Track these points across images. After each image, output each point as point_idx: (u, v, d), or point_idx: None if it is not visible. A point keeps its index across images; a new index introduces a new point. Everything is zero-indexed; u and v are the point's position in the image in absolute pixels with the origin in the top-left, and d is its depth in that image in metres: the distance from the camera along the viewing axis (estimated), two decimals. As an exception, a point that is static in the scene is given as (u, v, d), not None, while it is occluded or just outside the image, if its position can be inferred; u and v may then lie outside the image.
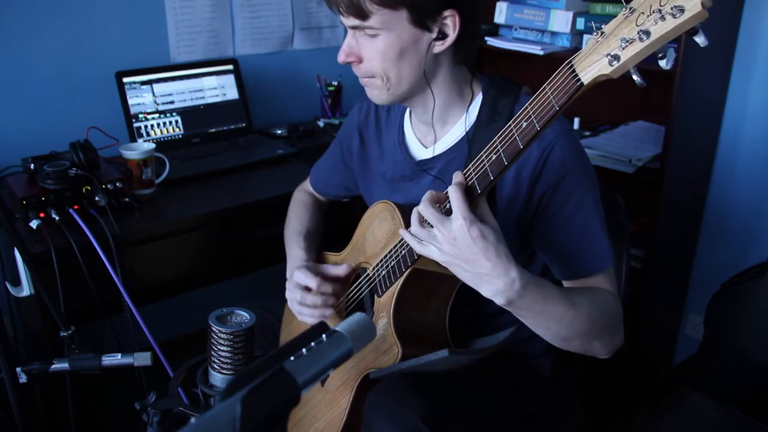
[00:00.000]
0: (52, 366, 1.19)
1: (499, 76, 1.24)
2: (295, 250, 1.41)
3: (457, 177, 1.00)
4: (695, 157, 2.12)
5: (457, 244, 0.96)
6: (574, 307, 1.06)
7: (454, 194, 0.97)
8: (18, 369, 1.18)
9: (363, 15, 1.09)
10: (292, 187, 1.66)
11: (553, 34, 2.22)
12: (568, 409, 1.35)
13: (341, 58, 1.17)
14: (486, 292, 1.00)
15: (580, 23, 2.15)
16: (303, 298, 1.27)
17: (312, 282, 1.25)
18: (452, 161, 1.22)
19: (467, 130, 1.20)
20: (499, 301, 1.00)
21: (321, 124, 2.41)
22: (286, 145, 2.14)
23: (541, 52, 2.18)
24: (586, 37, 2.10)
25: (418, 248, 1.02)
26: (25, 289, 1.53)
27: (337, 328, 0.69)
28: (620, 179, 2.03)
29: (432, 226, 0.99)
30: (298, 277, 1.27)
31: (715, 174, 2.19)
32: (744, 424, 1.63)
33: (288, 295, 1.31)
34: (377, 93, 1.20)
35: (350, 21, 1.12)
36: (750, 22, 2.02)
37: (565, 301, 1.05)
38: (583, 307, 1.07)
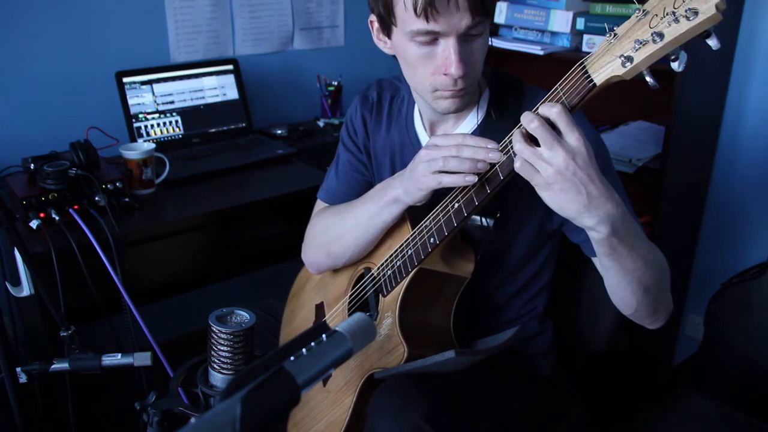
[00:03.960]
0: (52, 366, 1.19)
1: (497, 68, 1.24)
2: (377, 187, 1.20)
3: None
4: (695, 157, 2.12)
5: (577, 162, 0.87)
6: (651, 246, 1.02)
7: (563, 112, 0.88)
8: (18, 369, 1.18)
9: (488, 11, 1.04)
10: (292, 187, 1.66)
11: (553, 34, 2.22)
12: (568, 409, 1.34)
13: (462, 71, 1.03)
14: (592, 218, 0.91)
15: (580, 23, 2.15)
16: (460, 151, 1.01)
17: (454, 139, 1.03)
18: None
19: (479, 122, 1.20)
20: (605, 229, 0.92)
21: (321, 124, 2.41)
22: (286, 145, 2.14)
23: (541, 52, 2.18)
24: (586, 37, 2.10)
25: (521, 168, 0.91)
26: (25, 289, 1.53)
27: (337, 328, 0.69)
28: (620, 179, 2.02)
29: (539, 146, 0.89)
30: (435, 139, 1.05)
31: (715, 174, 2.19)
32: (744, 424, 1.63)
33: (430, 153, 1.04)
34: (462, 99, 1.10)
35: (468, 21, 1.01)
36: (750, 21, 2.02)
37: (645, 237, 1.01)
38: (654, 248, 1.04)
